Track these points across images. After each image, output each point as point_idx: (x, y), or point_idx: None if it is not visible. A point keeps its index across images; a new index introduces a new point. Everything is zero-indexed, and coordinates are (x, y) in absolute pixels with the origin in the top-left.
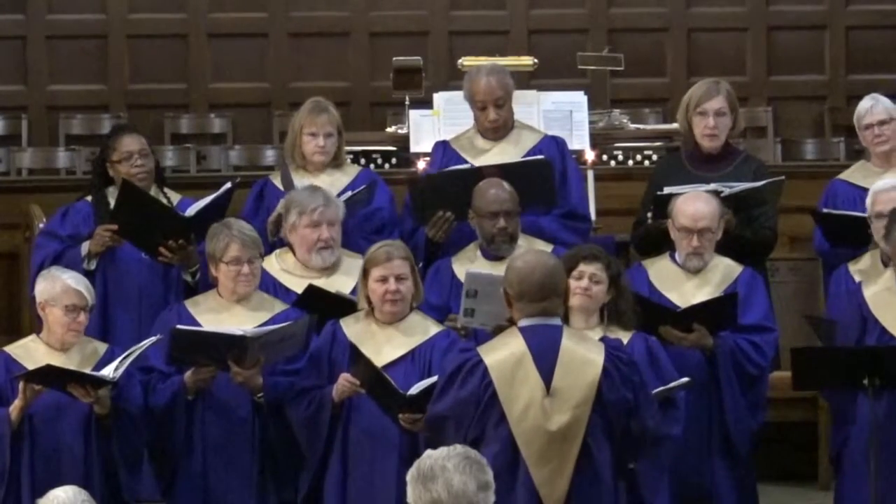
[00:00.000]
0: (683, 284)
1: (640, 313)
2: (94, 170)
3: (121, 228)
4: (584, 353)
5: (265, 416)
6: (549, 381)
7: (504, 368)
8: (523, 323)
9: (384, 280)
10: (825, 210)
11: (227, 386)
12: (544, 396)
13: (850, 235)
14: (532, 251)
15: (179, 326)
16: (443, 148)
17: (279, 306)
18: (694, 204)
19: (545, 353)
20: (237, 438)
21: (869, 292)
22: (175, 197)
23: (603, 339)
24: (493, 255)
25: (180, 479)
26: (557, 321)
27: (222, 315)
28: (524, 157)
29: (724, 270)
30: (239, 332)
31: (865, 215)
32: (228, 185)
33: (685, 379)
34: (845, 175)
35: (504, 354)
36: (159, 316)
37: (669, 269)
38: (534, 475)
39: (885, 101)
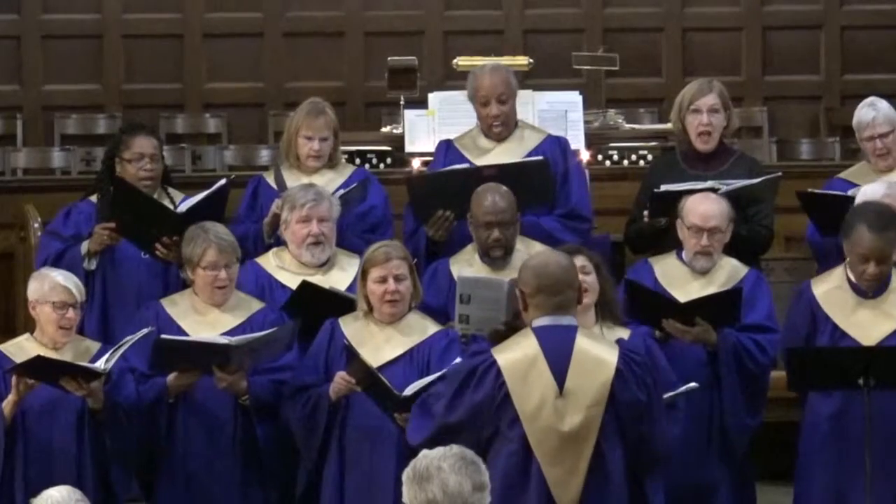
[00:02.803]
0: (689, 283)
1: (639, 307)
2: (103, 163)
3: (118, 226)
4: (598, 354)
5: (251, 417)
6: (563, 381)
7: (517, 368)
8: (537, 323)
9: (383, 280)
10: (810, 190)
11: (206, 387)
12: (557, 397)
13: (834, 219)
14: (543, 251)
15: (164, 336)
16: (446, 147)
17: (255, 305)
18: (704, 203)
19: (559, 354)
20: (219, 439)
21: (819, 290)
22: (178, 196)
23: (619, 342)
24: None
25: (162, 481)
26: (572, 320)
27: (199, 316)
28: (526, 156)
29: (729, 271)
30: (223, 342)
31: (849, 194)
32: (223, 181)
33: (693, 384)
34: (845, 174)
35: (517, 355)
36: (137, 314)
37: (676, 268)
38: (547, 475)
39: (884, 110)
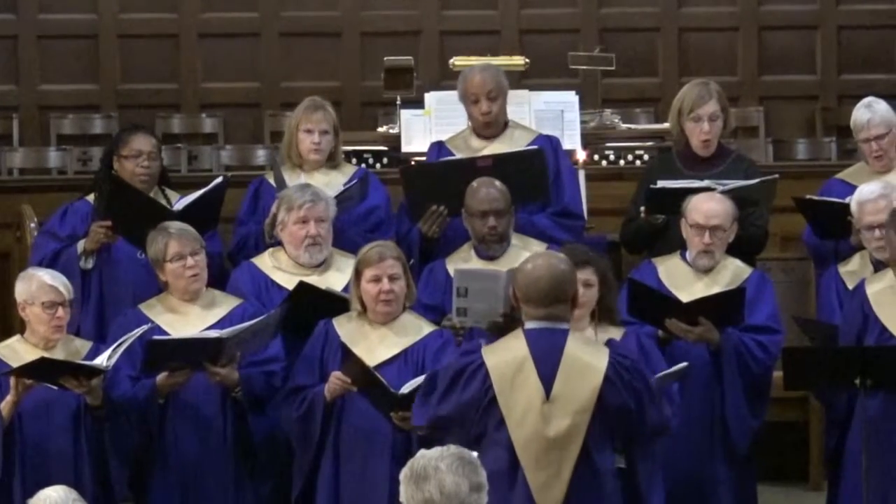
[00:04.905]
0: (693, 284)
1: (642, 307)
2: (101, 161)
3: (115, 224)
4: (587, 360)
5: (241, 413)
6: (550, 386)
7: (505, 372)
8: (529, 325)
9: (377, 280)
10: (807, 196)
11: (195, 385)
12: (543, 402)
13: (831, 224)
14: (544, 255)
15: (156, 337)
16: (437, 148)
17: (233, 301)
18: (708, 202)
19: (548, 358)
20: (209, 437)
21: (872, 289)
22: (175, 196)
23: (609, 343)
24: (486, 255)
25: (155, 480)
26: (564, 325)
27: (179, 316)
28: None
29: (733, 271)
30: (215, 335)
31: (846, 202)
32: (219, 179)
33: (683, 364)
34: (843, 175)
35: (506, 358)
36: (115, 322)
37: (679, 268)
38: (530, 480)
39: (881, 111)
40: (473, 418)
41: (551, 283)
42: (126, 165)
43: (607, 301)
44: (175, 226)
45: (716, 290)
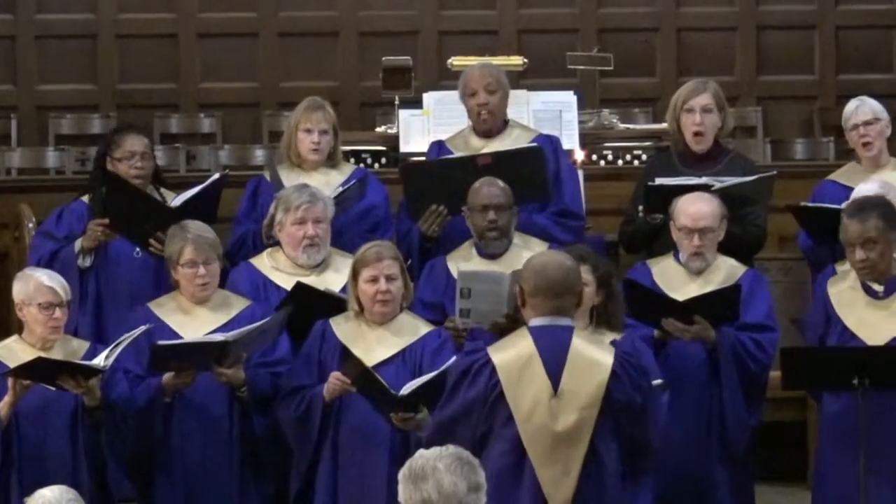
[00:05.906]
0: (686, 285)
1: (638, 307)
2: (94, 161)
3: (112, 222)
4: (594, 355)
5: (247, 413)
6: (557, 381)
7: (511, 368)
8: (534, 322)
9: (374, 280)
10: (801, 203)
11: (202, 385)
12: (551, 397)
13: (827, 230)
14: (549, 252)
15: (161, 342)
16: (437, 147)
17: (242, 303)
18: (695, 204)
19: (554, 354)
20: (215, 436)
21: (833, 290)
22: (170, 196)
23: (613, 343)
24: (487, 253)
25: (160, 479)
26: (569, 322)
27: (187, 316)
28: None
29: (727, 271)
30: (220, 338)
31: (842, 207)
32: (216, 175)
33: (659, 381)
34: (834, 175)
35: (512, 354)
36: (123, 318)
37: (673, 269)
38: (539, 476)
39: (871, 102)
40: (480, 415)
41: (560, 273)
42: (120, 167)
43: (609, 306)
44: (194, 230)
45: (710, 289)
